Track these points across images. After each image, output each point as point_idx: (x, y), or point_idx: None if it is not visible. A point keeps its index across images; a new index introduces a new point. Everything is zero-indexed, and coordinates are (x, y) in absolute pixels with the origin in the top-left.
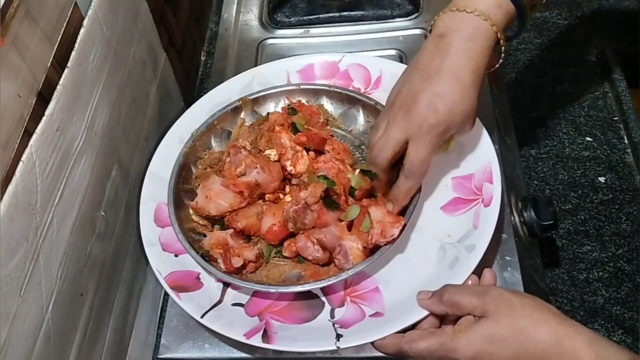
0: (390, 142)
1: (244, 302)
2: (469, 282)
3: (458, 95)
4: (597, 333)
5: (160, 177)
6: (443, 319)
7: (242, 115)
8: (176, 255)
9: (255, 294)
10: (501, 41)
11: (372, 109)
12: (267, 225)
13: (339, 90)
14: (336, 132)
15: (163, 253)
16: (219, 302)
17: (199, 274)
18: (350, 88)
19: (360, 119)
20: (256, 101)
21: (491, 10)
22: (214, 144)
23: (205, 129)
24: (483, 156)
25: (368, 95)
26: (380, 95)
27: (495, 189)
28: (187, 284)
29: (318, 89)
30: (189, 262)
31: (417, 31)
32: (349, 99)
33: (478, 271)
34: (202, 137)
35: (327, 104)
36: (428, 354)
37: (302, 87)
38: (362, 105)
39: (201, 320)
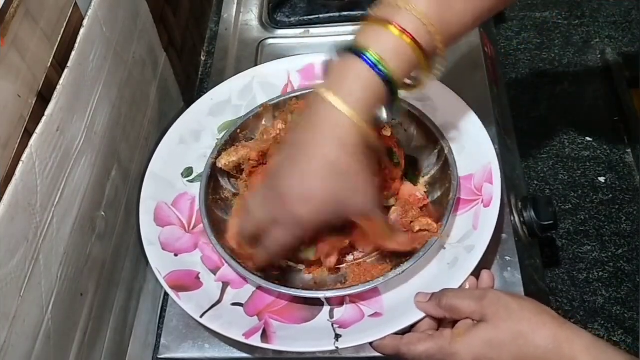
0: (253, 221)
1: (243, 302)
2: (467, 284)
3: (328, 182)
4: (597, 336)
5: (161, 176)
6: (441, 321)
7: (264, 121)
8: (176, 255)
9: (255, 293)
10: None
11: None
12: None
13: None
14: None
15: (163, 252)
16: (219, 301)
17: (199, 273)
18: None
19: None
20: (277, 106)
21: (355, 101)
22: None
23: (229, 137)
24: (483, 156)
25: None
26: None
27: (495, 190)
28: (187, 283)
29: None
30: (189, 262)
31: None
32: None
33: (477, 272)
34: (227, 145)
35: None
36: (427, 357)
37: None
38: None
39: (200, 320)
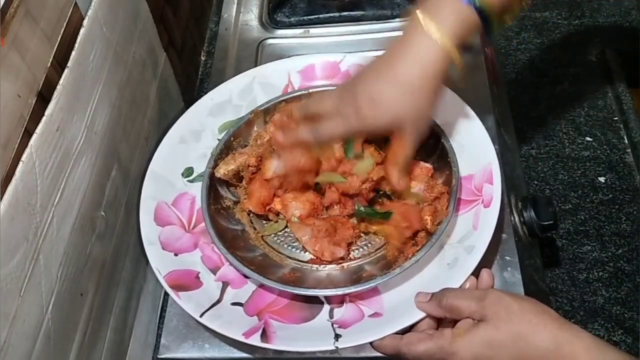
0: (320, 105)
1: (243, 302)
2: (467, 284)
3: (399, 96)
4: (597, 337)
5: (161, 175)
6: (441, 321)
7: (255, 127)
8: (176, 254)
9: (254, 293)
10: (456, 61)
11: None
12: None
13: None
14: None
15: (163, 252)
16: (218, 301)
17: (199, 273)
18: None
19: None
20: (267, 111)
21: (452, 27)
22: None
23: (224, 146)
24: (483, 157)
25: None
26: None
27: (495, 190)
28: (187, 282)
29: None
30: (189, 261)
31: None
32: None
33: (477, 272)
34: (222, 155)
35: None
36: (427, 357)
37: (311, 91)
38: None
39: (200, 320)
